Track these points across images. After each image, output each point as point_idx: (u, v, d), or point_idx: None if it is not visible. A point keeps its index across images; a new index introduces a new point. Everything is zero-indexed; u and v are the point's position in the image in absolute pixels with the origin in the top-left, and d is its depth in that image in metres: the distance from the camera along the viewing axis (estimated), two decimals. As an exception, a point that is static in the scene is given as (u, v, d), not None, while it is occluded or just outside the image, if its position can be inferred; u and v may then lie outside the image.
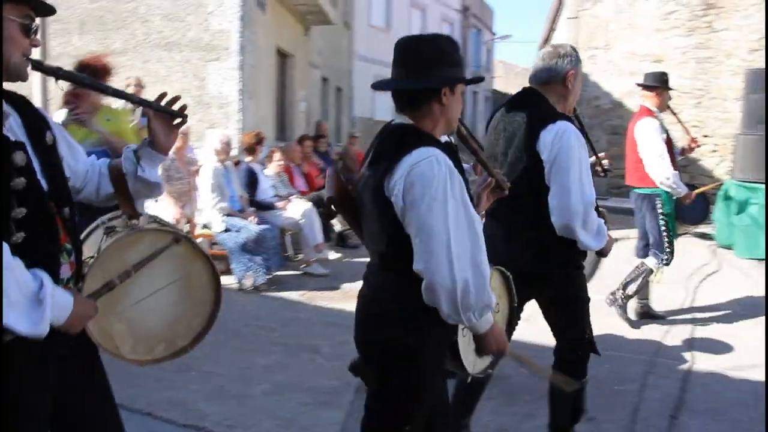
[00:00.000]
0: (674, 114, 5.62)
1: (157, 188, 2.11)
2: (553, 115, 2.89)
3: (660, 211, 5.34)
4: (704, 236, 9.08)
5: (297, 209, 7.13)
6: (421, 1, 27.89)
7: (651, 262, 5.49)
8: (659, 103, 5.42)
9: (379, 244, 2.13)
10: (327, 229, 7.75)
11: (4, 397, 1.64)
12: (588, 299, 3.17)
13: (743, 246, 8.26)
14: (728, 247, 8.47)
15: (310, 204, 7.35)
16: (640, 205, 5.53)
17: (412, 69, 2.05)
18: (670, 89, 5.51)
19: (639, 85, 5.58)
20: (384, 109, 24.21)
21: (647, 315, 5.69)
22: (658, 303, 5.80)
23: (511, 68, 44.94)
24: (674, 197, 5.33)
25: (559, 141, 2.80)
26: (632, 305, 5.70)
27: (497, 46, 42.95)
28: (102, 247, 1.93)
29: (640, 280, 5.51)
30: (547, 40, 21.87)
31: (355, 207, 2.25)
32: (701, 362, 4.74)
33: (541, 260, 2.96)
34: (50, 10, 1.75)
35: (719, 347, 5.06)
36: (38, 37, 1.75)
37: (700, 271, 5.75)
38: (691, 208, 5.52)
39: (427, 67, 2.02)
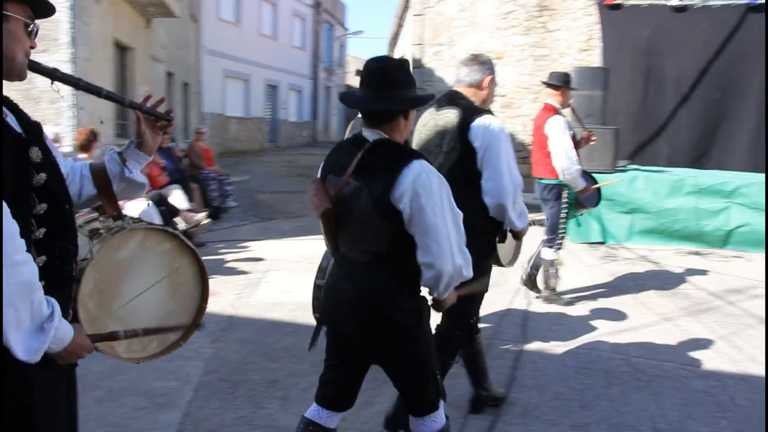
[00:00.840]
0: (574, 111, 6.14)
1: (142, 188, 2.22)
2: (480, 110, 3.34)
3: (566, 200, 5.89)
4: (542, 223, 9.62)
5: (136, 208, 6.85)
6: (272, -5, 27.51)
7: (547, 254, 6.03)
8: (563, 101, 5.88)
9: (375, 245, 2.43)
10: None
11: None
12: None
13: (575, 231, 8.86)
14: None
15: (150, 202, 7.08)
16: (546, 195, 6.00)
17: (383, 89, 2.42)
18: (573, 89, 5.98)
19: (544, 83, 5.96)
20: (235, 105, 23.76)
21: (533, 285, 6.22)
22: (497, 288, 6.10)
23: (363, 63, 45.45)
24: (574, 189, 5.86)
25: (490, 131, 3.22)
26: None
27: (350, 41, 43.25)
28: (94, 250, 1.93)
29: (552, 272, 6.05)
30: (396, 37, 22.32)
31: (337, 214, 2.48)
32: (532, 342, 5.04)
33: (482, 248, 3.26)
34: (50, 10, 1.74)
35: (549, 327, 5.40)
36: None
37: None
38: (587, 195, 5.95)
39: (397, 89, 2.42)
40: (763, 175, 9.49)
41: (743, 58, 10.56)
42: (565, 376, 4.37)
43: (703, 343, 5.11)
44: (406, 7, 17.27)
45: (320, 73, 33.45)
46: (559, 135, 5.70)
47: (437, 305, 2.59)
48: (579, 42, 13.78)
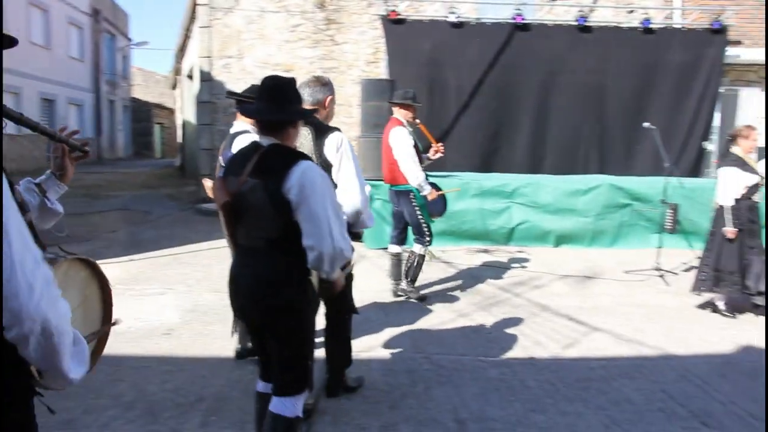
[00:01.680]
0: (419, 124, 6.61)
1: (58, 216, 2.29)
2: (330, 128, 3.82)
3: (414, 203, 6.37)
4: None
5: None
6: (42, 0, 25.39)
7: (417, 248, 6.55)
8: (407, 115, 6.43)
9: (271, 232, 2.79)
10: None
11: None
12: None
13: (371, 238, 9.13)
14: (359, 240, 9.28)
15: None
16: (397, 200, 6.56)
17: (280, 103, 2.86)
18: (417, 104, 6.54)
19: (390, 102, 6.59)
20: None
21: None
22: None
23: (150, 76, 43.65)
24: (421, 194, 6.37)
25: (341, 145, 3.73)
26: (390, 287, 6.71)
27: (134, 52, 41.22)
28: None
29: (415, 265, 6.56)
30: (183, 48, 21.67)
31: (235, 207, 2.84)
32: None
33: None
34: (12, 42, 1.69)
35: (351, 332, 5.48)
36: None
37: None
38: (433, 203, 6.42)
39: (288, 103, 2.89)
40: (537, 176, 10.45)
41: (514, 71, 11.53)
42: (371, 379, 4.46)
43: (495, 334, 5.50)
44: (192, 19, 16.82)
45: (103, 86, 31.56)
46: (402, 144, 6.26)
47: (329, 288, 2.96)
48: (366, 54, 14.26)
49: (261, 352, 3.08)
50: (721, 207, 6.19)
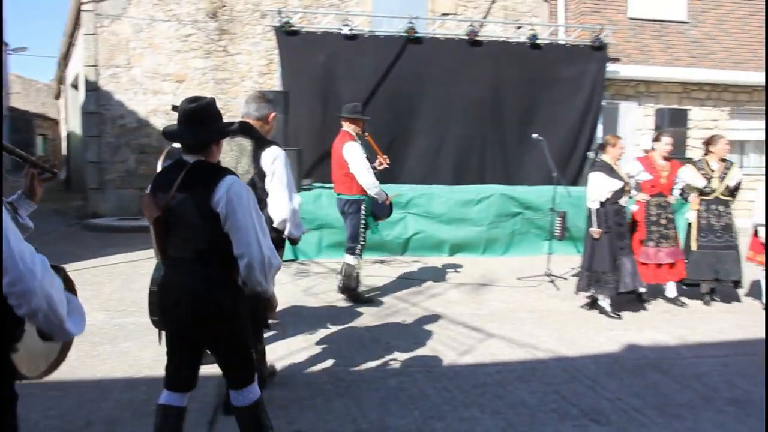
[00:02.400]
0: (367, 136, 7.07)
1: (29, 230, 2.52)
2: (269, 141, 4.11)
3: (363, 213, 6.74)
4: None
5: None
6: None
7: (350, 259, 6.81)
8: (356, 129, 6.84)
9: (199, 243, 2.95)
10: None
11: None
12: None
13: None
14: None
15: None
16: (348, 209, 6.81)
17: (204, 124, 3.01)
18: (365, 118, 6.97)
19: (339, 116, 6.95)
20: None
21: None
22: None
23: (30, 84, 41.45)
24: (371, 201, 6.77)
25: (276, 158, 4.01)
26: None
27: (12, 59, 38.98)
28: None
29: (352, 275, 6.82)
30: (66, 56, 20.74)
31: (166, 222, 2.99)
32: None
33: None
34: None
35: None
36: None
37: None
38: (382, 207, 6.93)
39: (208, 122, 3.03)
40: (431, 187, 10.62)
41: (407, 83, 11.66)
42: (269, 394, 4.36)
43: (393, 344, 5.53)
44: (76, 25, 16.13)
45: (-24, 95, 29.69)
46: (357, 158, 6.61)
47: (265, 303, 3.31)
48: (259, 66, 14.12)
49: (179, 358, 3.12)
50: (589, 209, 6.52)
